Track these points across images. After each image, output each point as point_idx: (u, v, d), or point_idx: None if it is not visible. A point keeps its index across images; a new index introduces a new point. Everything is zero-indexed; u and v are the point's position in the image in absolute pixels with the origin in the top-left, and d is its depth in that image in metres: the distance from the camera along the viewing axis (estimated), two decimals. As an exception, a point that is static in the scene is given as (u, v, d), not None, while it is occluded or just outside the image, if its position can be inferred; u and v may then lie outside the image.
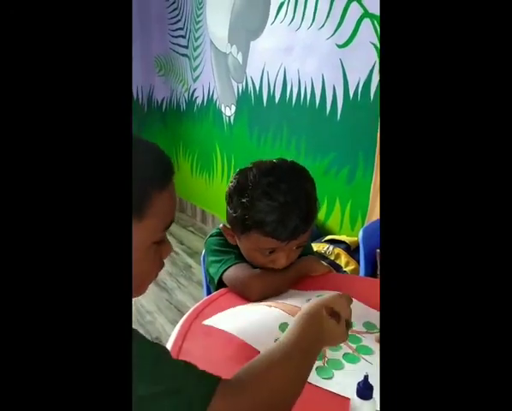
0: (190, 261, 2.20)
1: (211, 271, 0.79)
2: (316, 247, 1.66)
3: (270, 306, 0.67)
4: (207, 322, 0.63)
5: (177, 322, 0.65)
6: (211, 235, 0.84)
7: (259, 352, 0.56)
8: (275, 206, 0.67)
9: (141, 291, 0.51)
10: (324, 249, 1.63)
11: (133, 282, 0.42)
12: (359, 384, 0.46)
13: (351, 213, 1.73)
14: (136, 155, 0.40)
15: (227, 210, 0.75)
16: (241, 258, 0.78)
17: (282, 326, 0.62)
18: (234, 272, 0.75)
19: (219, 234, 0.82)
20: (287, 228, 0.67)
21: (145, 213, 0.45)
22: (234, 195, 0.72)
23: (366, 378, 0.46)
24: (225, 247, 0.79)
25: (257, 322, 0.63)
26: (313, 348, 0.49)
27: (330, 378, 0.55)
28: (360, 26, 1.53)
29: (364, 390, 0.45)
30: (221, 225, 0.78)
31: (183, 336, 0.61)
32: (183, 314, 0.67)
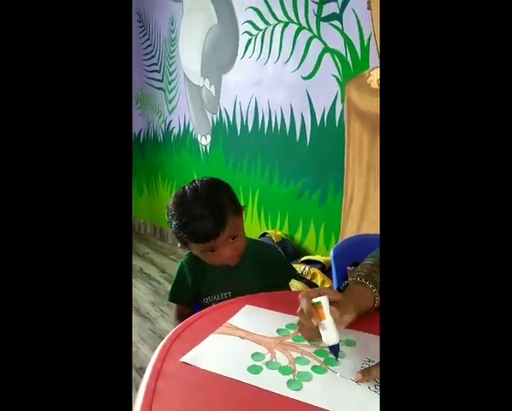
0: (172, 289, 2.22)
1: None
2: (293, 268, 1.72)
3: (243, 338, 0.73)
4: (184, 359, 0.67)
5: (161, 352, 0.68)
6: (182, 260, 1.02)
7: (236, 381, 0.61)
8: (193, 220, 0.85)
9: None
10: (301, 270, 1.70)
11: None
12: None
13: (325, 234, 1.81)
14: None
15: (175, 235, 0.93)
16: (182, 295, 1.00)
17: (255, 355, 0.68)
18: (173, 310, 1.02)
19: (182, 265, 1.01)
20: (207, 232, 0.85)
21: None
22: (169, 223, 0.91)
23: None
24: (177, 280, 1.01)
25: (231, 355, 0.68)
26: None
27: (299, 389, 0.60)
28: (322, 60, 1.65)
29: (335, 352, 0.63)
30: (178, 245, 0.95)
31: (163, 358, 0.66)
32: None
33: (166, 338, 0.73)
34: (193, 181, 0.92)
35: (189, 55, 2.46)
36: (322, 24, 1.62)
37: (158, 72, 2.79)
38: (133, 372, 1.53)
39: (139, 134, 3.18)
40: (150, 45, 2.82)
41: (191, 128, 2.59)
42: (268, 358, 0.67)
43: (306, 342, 0.72)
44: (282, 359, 0.67)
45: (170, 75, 2.68)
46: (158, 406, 0.55)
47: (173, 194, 0.92)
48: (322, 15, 1.61)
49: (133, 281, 2.38)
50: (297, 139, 1.85)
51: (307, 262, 1.74)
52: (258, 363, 0.66)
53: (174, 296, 0.99)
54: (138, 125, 3.18)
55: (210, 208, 0.85)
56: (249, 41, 1.98)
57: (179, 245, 0.94)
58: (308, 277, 1.67)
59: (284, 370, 0.64)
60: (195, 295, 0.97)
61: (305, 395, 0.59)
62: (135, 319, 1.93)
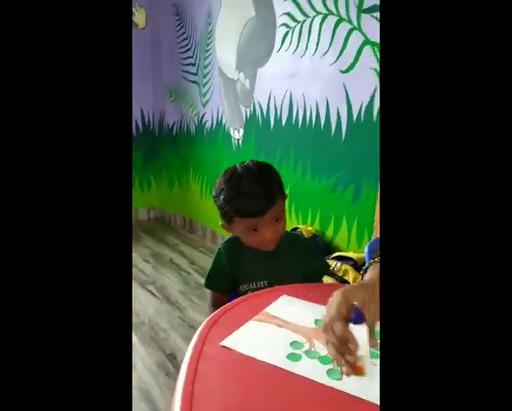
0: (202, 280, 2.25)
1: None
2: (324, 263, 1.70)
3: (281, 326, 0.73)
4: (224, 343, 0.67)
5: (190, 339, 0.69)
6: (219, 247, 1.02)
7: (274, 366, 0.61)
8: (243, 195, 0.87)
9: None
10: (332, 266, 1.67)
11: None
12: (352, 314, 0.60)
13: (358, 230, 1.78)
14: None
15: (219, 212, 0.94)
16: (219, 282, 0.99)
17: (294, 344, 0.67)
18: (209, 296, 1.01)
19: (220, 251, 1.00)
20: (256, 207, 0.87)
21: None
22: (216, 198, 0.93)
23: (356, 308, 0.60)
24: (214, 266, 1.00)
25: (269, 342, 0.68)
26: None
27: (339, 379, 0.60)
28: (362, 53, 1.61)
29: (357, 318, 0.59)
30: (220, 224, 0.96)
31: (202, 341, 0.67)
32: (196, 331, 0.71)
33: (204, 323, 0.74)
34: (243, 162, 0.95)
35: (225, 48, 2.47)
36: (363, 16, 1.59)
37: (193, 65, 2.82)
38: (163, 357, 1.56)
39: (173, 126, 3.23)
40: (186, 38, 2.85)
41: (224, 122, 2.61)
42: (307, 347, 0.67)
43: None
44: (320, 349, 0.66)
45: (205, 68, 2.70)
46: (200, 386, 0.56)
47: (223, 172, 0.95)
48: (363, 7, 1.58)
49: (164, 270, 2.42)
50: (332, 133, 1.83)
51: (339, 258, 1.72)
52: (297, 351, 0.65)
53: (210, 283, 1.00)
54: (171, 118, 3.23)
55: (260, 185, 0.88)
56: (286, 34, 1.97)
57: (220, 224, 0.96)
58: (340, 274, 1.65)
59: (324, 359, 0.64)
60: (231, 283, 0.97)
61: (346, 385, 0.58)
62: (165, 307, 1.97)
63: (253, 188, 0.87)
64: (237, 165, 0.94)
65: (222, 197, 0.90)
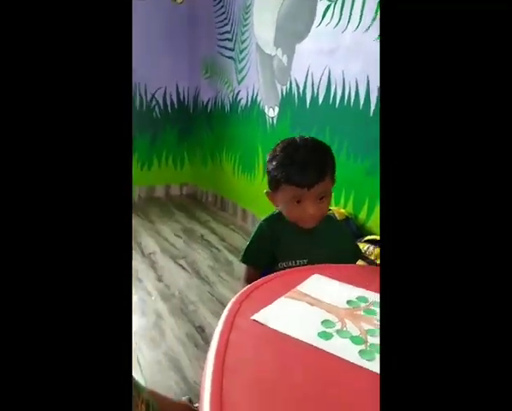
0: (231, 257, 2.27)
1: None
2: (356, 246, 1.67)
3: (312, 304, 0.72)
4: (255, 317, 0.67)
5: (219, 314, 0.69)
6: (261, 222, 1.01)
7: (305, 343, 0.60)
8: (296, 163, 0.89)
9: None
10: (365, 249, 1.64)
11: None
12: None
13: (393, 214, 1.73)
14: None
15: (267, 177, 0.97)
16: (256, 258, 0.98)
17: (325, 322, 0.66)
18: (243, 271, 1.01)
19: (262, 225, 0.99)
20: (305, 177, 0.88)
21: None
22: (268, 163, 0.95)
23: None
24: (254, 242, 0.99)
25: (300, 319, 0.68)
26: None
27: (372, 359, 0.58)
28: (408, 28, 1.53)
29: None
30: (265, 191, 0.98)
31: (234, 314, 0.67)
32: (224, 306, 0.71)
33: (235, 297, 0.74)
34: (302, 136, 0.98)
35: (263, 23, 2.41)
36: (410, -12, 1.50)
37: (230, 40, 2.79)
38: (192, 329, 1.59)
39: (207, 103, 3.22)
40: (223, 13, 2.81)
41: (259, 100, 2.57)
42: (339, 326, 0.66)
43: (377, 316, 0.69)
44: (352, 329, 0.65)
45: (242, 44, 2.66)
46: (231, 357, 0.56)
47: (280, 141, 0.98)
48: (411, -22, 1.49)
49: (194, 246, 2.46)
50: (371, 113, 1.76)
51: (372, 241, 1.68)
52: (328, 330, 0.64)
53: (247, 258, 0.99)
54: (206, 94, 3.22)
55: (315, 157, 0.90)
56: (328, 7, 1.89)
57: (265, 191, 0.97)
58: (372, 257, 1.61)
59: (356, 340, 0.62)
60: (269, 259, 0.97)
61: (378, 366, 0.57)
62: (195, 281, 2.00)
63: (307, 159, 0.89)
64: (296, 137, 0.96)
65: (274, 162, 0.92)
